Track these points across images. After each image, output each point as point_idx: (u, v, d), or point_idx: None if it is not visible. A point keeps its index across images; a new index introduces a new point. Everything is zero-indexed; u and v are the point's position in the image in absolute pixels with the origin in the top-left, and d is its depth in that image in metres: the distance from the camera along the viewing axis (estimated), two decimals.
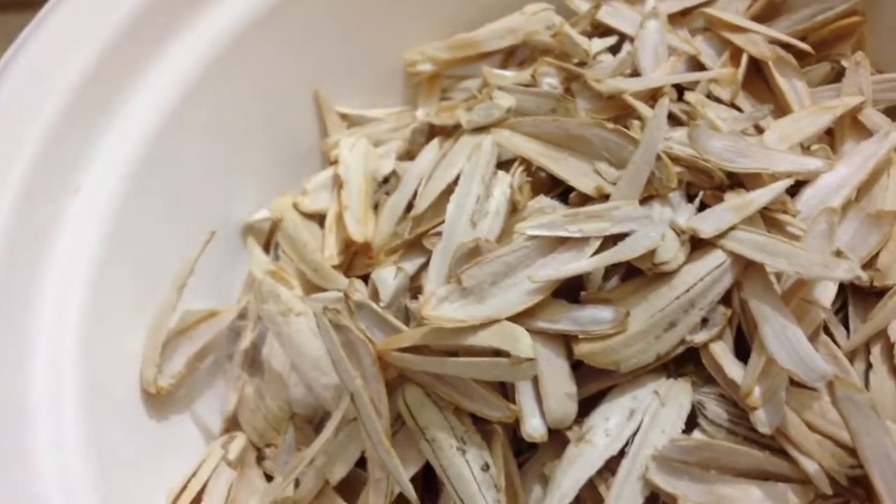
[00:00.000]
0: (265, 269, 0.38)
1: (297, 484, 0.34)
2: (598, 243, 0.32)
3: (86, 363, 0.34)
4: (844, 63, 0.39)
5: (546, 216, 0.32)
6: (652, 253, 0.31)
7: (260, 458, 0.36)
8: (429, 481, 0.33)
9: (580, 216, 0.32)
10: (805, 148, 0.36)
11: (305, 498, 0.34)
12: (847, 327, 0.33)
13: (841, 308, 0.33)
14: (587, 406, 0.31)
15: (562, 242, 0.32)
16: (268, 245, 0.40)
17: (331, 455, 0.33)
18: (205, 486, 0.34)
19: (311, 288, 0.38)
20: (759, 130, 0.36)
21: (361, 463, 0.34)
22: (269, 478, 0.36)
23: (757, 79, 0.39)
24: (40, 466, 0.31)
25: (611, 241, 0.32)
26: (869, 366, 0.32)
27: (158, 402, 0.36)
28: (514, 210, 0.34)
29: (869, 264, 0.33)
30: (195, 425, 0.37)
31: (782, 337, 0.29)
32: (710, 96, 0.38)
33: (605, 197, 0.33)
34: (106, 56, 0.37)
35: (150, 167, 0.37)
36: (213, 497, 0.34)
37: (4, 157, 0.34)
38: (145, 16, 0.38)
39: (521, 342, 0.30)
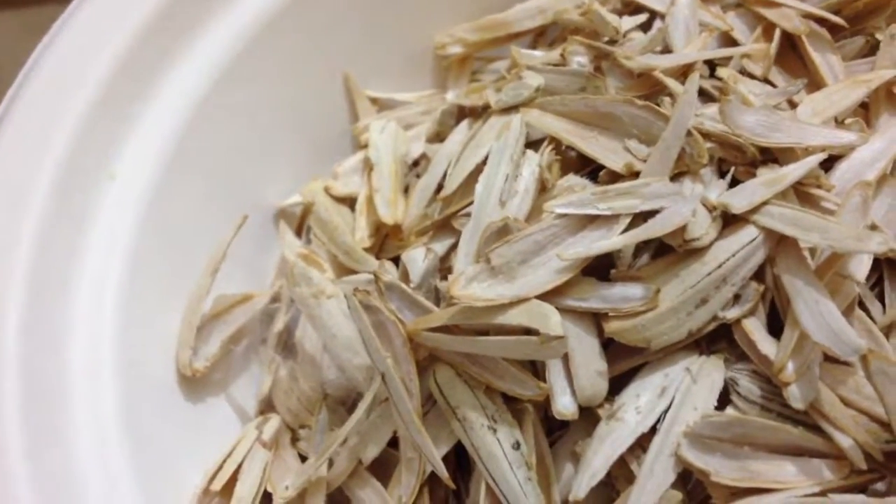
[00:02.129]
0: (297, 253, 0.38)
1: (330, 464, 0.34)
2: (627, 220, 0.31)
3: (122, 347, 0.34)
4: (879, 36, 0.38)
5: (575, 194, 0.32)
6: (683, 229, 0.31)
7: (294, 440, 0.37)
8: (461, 460, 0.33)
9: (609, 193, 0.32)
10: (839, 122, 0.35)
11: (339, 478, 0.34)
12: (883, 302, 0.32)
13: (877, 283, 0.32)
14: (618, 384, 0.31)
15: (591, 220, 0.32)
16: (300, 229, 0.41)
17: (363, 435, 0.34)
18: (240, 466, 0.35)
19: (342, 271, 0.38)
20: (793, 105, 0.36)
21: (394, 443, 0.34)
22: (303, 458, 0.36)
23: (790, 54, 0.39)
24: (78, 449, 0.32)
25: (641, 218, 0.31)
26: None
27: (194, 384, 0.36)
28: (543, 189, 0.34)
29: None
30: (230, 407, 0.37)
31: (815, 311, 0.29)
32: (742, 72, 0.37)
33: (635, 174, 0.33)
34: (138, 45, 0.37)
35: (184, 154, 0.37)
36: (249, 477, 0.34)
37: (40, 146, 0.35)
38: (176, 4, 0.38)
39: (551, 320, 0.30)
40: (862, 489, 0.30)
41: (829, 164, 0.33)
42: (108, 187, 0.36)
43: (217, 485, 0.34)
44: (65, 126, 0.35)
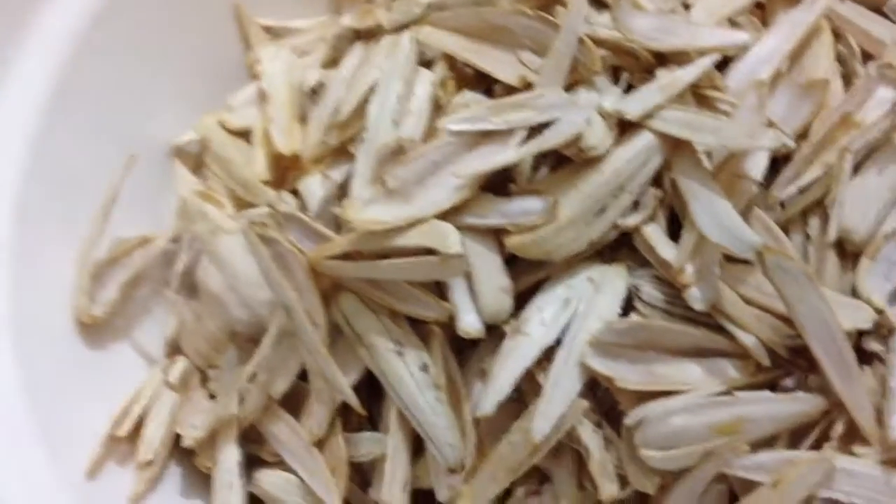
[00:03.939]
0: (193, 190, 0.37)
1: (241, 401, 0.33)
2: (523, 134, 0.31)
3: (15, 297, 0.33)
4: None
5: (469, 110, 0.32)
6: (578, 139, 0.30)
7: (204, 381, 0.36)
8: (371, 387, 0.33)
9: (503, 107, 0.31)
10: (733, 22, 0.35)
11: (250, 414, 0.33)
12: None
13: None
14: (523, 300, 0.31)
15: (487, 136, 0.31)
16: (197, 166, 0.39)
17: (272, 370, 0.33)
18: (147, 410, 0.34)
19: (242, 206, 0.37)
20: (687, 8, 0.35)
21: (304, 375, 0.33)
22: (214, 399, 0.35)
23: None
24: None
25: (537, 131, 0.31)
26: (807, 237, 0.32)
27: (95, 331, 0.35)
28: (438, 108, 0.34)
29: (803, 135, 0.32)
30: (136, 353, 0.36)
31: (711, 212, 0.29)
32: None
33: (529, 87, 0.32)
34: None
35: (66, 95, 0.36)
36: (156, 420, 0.34)
37: None
38: None
39: (449, 239, 0.29)
40: (770, 386, 0.30)
41: (724, 65, 0.33)
42: None
43: (123, 430, 0.33)
44: None
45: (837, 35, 0.35)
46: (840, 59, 0.35)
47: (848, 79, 0.34)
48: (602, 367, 0.29)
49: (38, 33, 0.36)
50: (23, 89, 0.35)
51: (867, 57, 0.35)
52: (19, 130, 0.35)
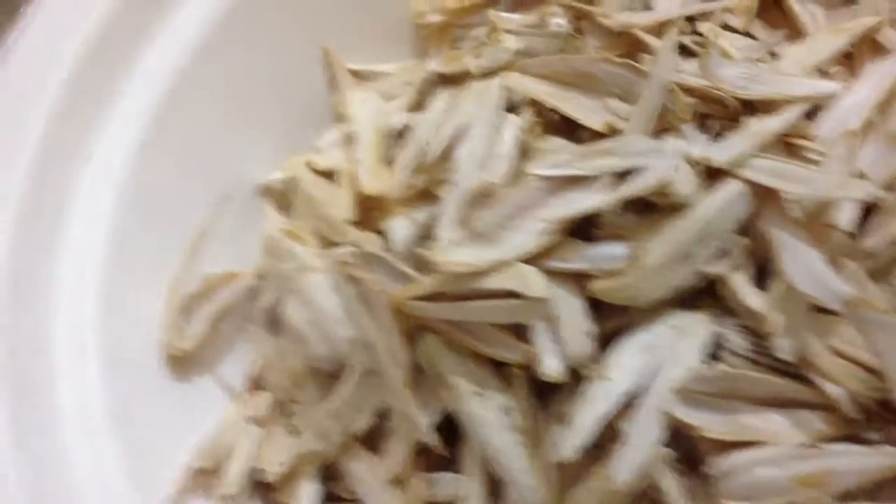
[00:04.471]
0: (280, 228, 0.38)
1: (322, 438, 0.34)
2: (609, 180, 0.31)
3: (106, 330, 0.34)
4: None
5: (556, 156, 0.32)
6: (666, 186, 0.30)
7: (285, 416, 0.36)
8: (452, 428, 0.33)
9: (590, 154, 0.31)
10: (822, 72, 0.35)
11: (331, 451, 0.34)
12: None
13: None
14: (606, 345, 0.31)
15: (573, 181, 0.31)
16: (284, 205, 0.40)
17: (353, 407, 0.34)
18: (230, 443, 0.34)
19: (327, 245, 0.38)
20: (775, 58, 0.35)
21: (385, 415, 0.34)
22: (294, 434, 0.36)
23: (772, 7, 0.38)
24: (65, 434, 0.32)
25: (623, 177, 0.31)
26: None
27: (181, 365, 0.36)
28: (524, 153, 0.34)
29: (892, 186, 0.32)
30: (220, 387, 0.37)
31: (800, 261, 0.29)
32: (724, 27, 0.37)
33: (616, 133, 0.33)
34: (112, 20, 0.36)
35: (161, 130, 0.37)
36: (239, 454, 0.34)
37: (16, 128, 0.34)
38: None
39: (534, 282, 0.30)
40: (855, 439, 0.29)
41: (813, 115, 0.33)
42: (85, 168, 0.35)
43: (207, 463, 0.34)
44: (40, 108, 0.35)
45: None
46: None
47: None
48: (687, 416, 0.29)
49: (139, 70, 0.37)
50: (123, 125, 0.36)
51: None
52: (117, 165, 0.36)
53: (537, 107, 0.35)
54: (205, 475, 0.34)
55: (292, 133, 0.41)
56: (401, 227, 0.34)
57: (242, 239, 0.40)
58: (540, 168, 0.31)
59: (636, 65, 0.33)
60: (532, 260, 0.30)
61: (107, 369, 0.33)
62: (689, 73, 0.33)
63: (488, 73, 0.37)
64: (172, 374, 0.36)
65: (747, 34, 0.37)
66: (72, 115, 0.35)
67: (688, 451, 0.30)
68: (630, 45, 0.36)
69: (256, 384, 0.37)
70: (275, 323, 0.37)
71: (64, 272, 0.34)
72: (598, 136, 0.33)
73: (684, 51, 0.35)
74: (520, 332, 0.31)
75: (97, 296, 0.34)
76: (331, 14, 0.42)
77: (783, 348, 0.29)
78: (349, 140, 0.40)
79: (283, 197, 0.40)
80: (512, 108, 0.36)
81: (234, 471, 0.34)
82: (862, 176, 0.31)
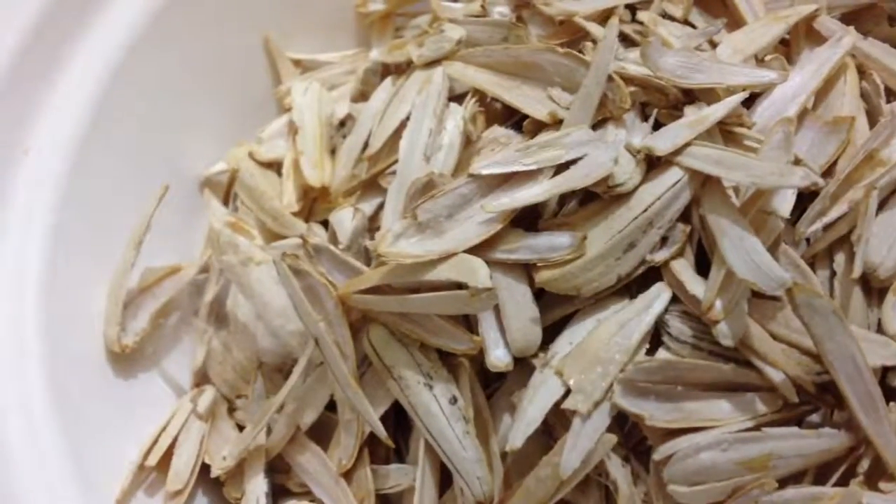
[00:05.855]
0: (223, 221, 0.37)
1: (268, 432, 0.34)
2: (552, 171, 0.31)
3: (47, 326, 0.33)
4: None
5: (499, 152, 0.32)
6: (607, 176, 0.31)
7: (232, 410, 0.36)
8: (399, 419, 0.33)
9: (532, 148, 0.31)
10: (760, 60, 0.35)
11: (278, 444, 0.34)
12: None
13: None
14: (552, 334, 0.31)
15: (517, 173, 0.31)
16: (227, 197, 0.40)
17: (300, 400, 0.33)
18: (175, 439, 0.34)
19: (271, 237, 0.38)
20: (714, 46, 0.36)
21: (332, 406, 0.34)
22: (241, 428, 0.36)
23: None
24: (7, 435, 0.31)
25: (566, 167, 0.31)
26: (833, 273, 0.32)
27: (125, 360, 0.35)
28: (468, 142, 0.34)
29: (828, 171, 0.33)
30: (165, 382, 0.37)
31: (740, 248, 0.29)
32: (663, 15, 0.37)
33: (559, 122, 0.33)
34: (47, 15, 0.36)
35: (100, 124, 0.36)
36: (185, 450, 0.34)
37: None
38: None
39: (479, 273, 0.30)
40: (796, 422, 0.30)
41: (751, 102, 0.33)
42: (22, 163, 0.34)
43: (153, 459, 0.34)
44: None
45: (862, 72, 0.35)
46: (864, 97, 0.35)
47: (872, 116, 0.34)
48: (632, 405, 0.29)
49: (76, 63, 0.36)
50: (58, 120, 0.36)
51: (891, 94, 0.35)
52: (53, 160, 0.35)
53: (480, 96, 0.35)
54: (151, 472, 0.34)
55: (236, 124, 0.41)
56: (346, 218, 0.34)
57: (185, 232, 0.39)
58: (483, 167, 0.31)
59: (578, 54, 0.33)
60: (477, 250, 0.30)
61: (48, 365, 0.33)
62: (630, 61, 0.33)
63: (431, 63, 0.37)
64: (117, 370, 0.35)
65: (686, 22, 0.37)
66: (7, 110, 0.34)
67: (636, 436, 0.30)
68: (572, 34, 0.36)
69: (202, 379, 0.37)
70: (220, 317, 0.37)
71: (3, 266, 0.33)
72: (539, 125, 0.33)
73: (625, 40, 0.35)
74: (466, 322, 0.32)
75: (37, 292, 0.34)
76: (272, 4, 0.42)
77: (724, 334, 0.29)
78: (292, 130, 0.39)
79: (226, 189, 0.40)
80: (455, 98, 0.36)
81: (180, 466, 0.34)
82: (799, 162, 0.32)
